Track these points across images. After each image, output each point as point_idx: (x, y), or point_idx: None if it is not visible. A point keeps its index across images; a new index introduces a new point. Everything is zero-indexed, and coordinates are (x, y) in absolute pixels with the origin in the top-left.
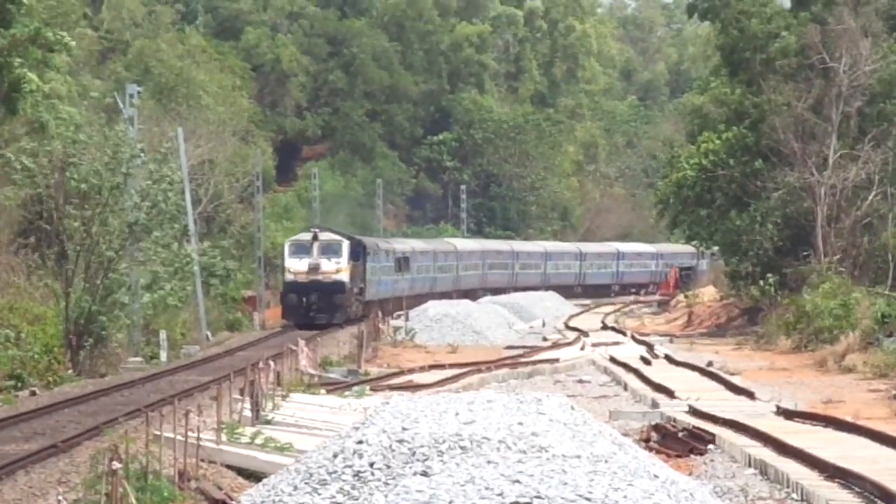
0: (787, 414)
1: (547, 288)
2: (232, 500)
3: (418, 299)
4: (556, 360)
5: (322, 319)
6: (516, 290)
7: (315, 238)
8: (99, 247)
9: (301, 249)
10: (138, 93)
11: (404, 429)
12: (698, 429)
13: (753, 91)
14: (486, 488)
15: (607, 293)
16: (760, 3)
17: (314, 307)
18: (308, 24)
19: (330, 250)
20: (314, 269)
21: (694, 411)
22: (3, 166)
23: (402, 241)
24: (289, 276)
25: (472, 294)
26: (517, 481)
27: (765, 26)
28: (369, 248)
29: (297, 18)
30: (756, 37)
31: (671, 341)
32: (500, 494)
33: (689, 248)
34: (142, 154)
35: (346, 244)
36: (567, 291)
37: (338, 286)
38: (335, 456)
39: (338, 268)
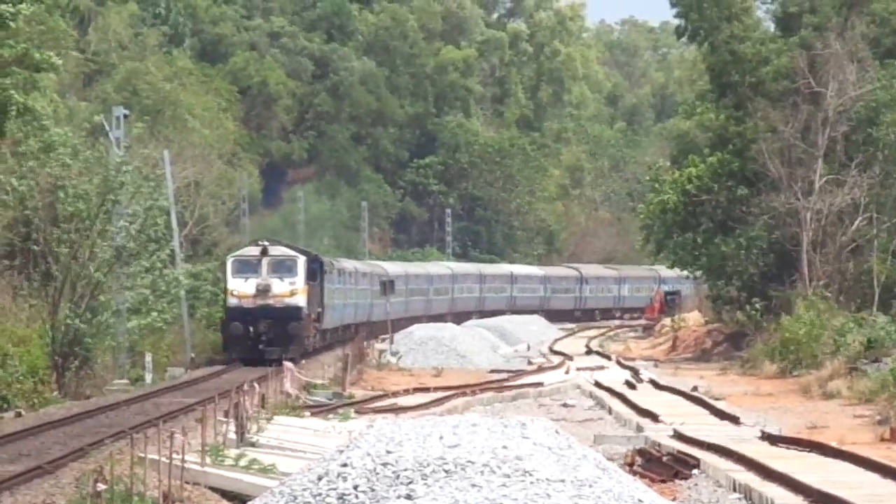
0: (772, 439)
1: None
2: None
3: (375, 326)
4: (541, 384)
5: (274, 353)
6: (430, 318)
7: (264, 253)
8: (86, 269)
9: (247, 267)
10: (125, 116)
11: (388, 452)
12: (683, 453)
13: (740, 116)
14: None
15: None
16: (750, 28)
17: (264, 338)
18: (291, 43)
19: (283, 268)
20: (264, 290)
21: (678, 436)
22: None
23: (348, 261)
24: (232, 301)
25: (418, 320)
26: None
27: (756, 49)
28: (326, 267)
29: (278, 38)
30: (746, 60)
31: (656, 366)
32: None
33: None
34: (126, 174)
35: (301, 261)
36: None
37: (293, 312)
38: (319, 479)
39: (293, 289)
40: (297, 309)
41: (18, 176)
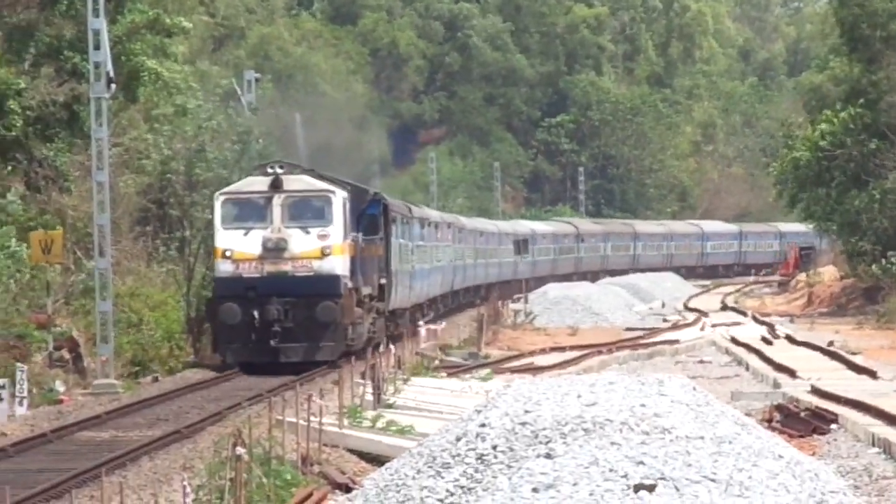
0: None
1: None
2: (356, 483)
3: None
4: (677, 342)
5: (295, 354)
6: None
7: (276, 186)
8: None
9: (248, 211)
10: (256, 80)
11: (527, 411)
12: (821, 409)
13: (872, 69)
14: (610, 470)
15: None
16: None
17: (277, 329)
18: (423, 6)
19: (308, 210)
20: (276, 249)
21: (816, 391)
22: (121, 153)
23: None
24: (224, 267)
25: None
26: (641, 462)
27: (886, 3)
28: (394, 211)
29: (413, 1)
30: (876, 14)
31: (792, 321)
32: (625, 476)
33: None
34: (260, 141)
35: (338, 198)
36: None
37: (325, 284)
38: (458, 439)
39: (324, 246)
40: (332, 280)
41: (164, 137)
